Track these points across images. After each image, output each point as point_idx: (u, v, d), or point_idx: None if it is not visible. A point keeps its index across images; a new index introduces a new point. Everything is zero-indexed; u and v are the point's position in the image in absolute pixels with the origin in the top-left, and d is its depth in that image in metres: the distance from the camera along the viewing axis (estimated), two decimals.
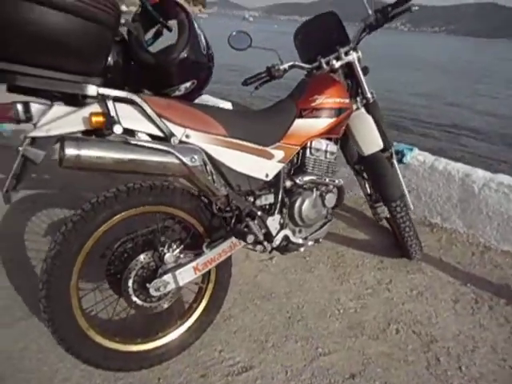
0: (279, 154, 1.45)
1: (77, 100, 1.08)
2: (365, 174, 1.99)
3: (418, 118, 8.81)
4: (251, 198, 1.41)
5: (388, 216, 1.99)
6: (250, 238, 1.41)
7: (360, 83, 1.76)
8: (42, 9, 0.86)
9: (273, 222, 1.46)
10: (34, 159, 1.02)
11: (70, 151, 0.98)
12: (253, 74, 1.73)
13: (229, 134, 1.29)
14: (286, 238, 1.51)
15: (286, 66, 1.71)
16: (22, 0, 0.84)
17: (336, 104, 1.57)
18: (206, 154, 1.24)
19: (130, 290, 1.23)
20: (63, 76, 0.97)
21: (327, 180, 1.59)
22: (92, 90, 1.03)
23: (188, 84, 1.28)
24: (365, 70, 1.81)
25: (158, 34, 1.38)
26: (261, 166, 1.40)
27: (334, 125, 1.58)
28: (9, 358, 1.35)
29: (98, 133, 1.07)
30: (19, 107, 1.00)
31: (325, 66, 1.69)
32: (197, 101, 1.49)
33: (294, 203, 1.51)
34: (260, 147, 1.39)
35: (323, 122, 1.55)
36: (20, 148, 1.01)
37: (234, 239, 1.39)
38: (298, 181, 1.52)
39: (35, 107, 1.03)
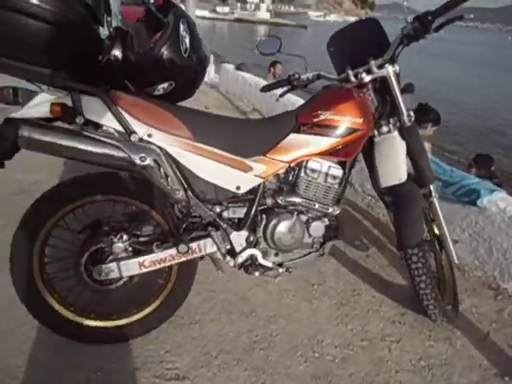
0: (259, 168, 1.35)
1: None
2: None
3: None
4: (217, 209, 1.35)
5: None
6: (209, 249, 1.38)
7: (395, 102, 1.49)
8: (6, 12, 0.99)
9: (238, 238, 1.38)
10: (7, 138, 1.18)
11: (23, 133, 1.10)
12: (273, 81, 1.64)
13: (195, 138, 1.27)
14: (252, 257, 1.41)
15: (309, 75, 1.57)
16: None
17: (342, 122, 1.37)
18: (168, 155, 1.25)
19: (82, 268, 1.33)
20: (31, 68, 1.10)
21: (317, 206, 1.41)
22: (57, 81, 1.14)
23: (165, 85, 1.29)
24: (408, 88, 1.53)
25: None
26: (231, 176, 1.32)
27: (337, 146, 1.39)
28: None
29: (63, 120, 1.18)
30: (10, 91, 1.18)
31: (352, 78, 1.49)
32: None
33: (269, 223, 1.39)
34: (234, 157, 1.32)
35: (322, 141, 1.38)
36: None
37: (194, 245, 1.36)
38: (279, 200, 1.39)
39: (24, 92, 1.19)
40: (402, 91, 1.53)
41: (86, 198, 1.31)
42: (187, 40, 1.27)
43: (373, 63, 1.45)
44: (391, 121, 1.53)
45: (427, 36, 1.39)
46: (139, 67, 1.25)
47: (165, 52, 1.22)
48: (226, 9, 43.94)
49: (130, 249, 1.33)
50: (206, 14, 37.92)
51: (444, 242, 1.66)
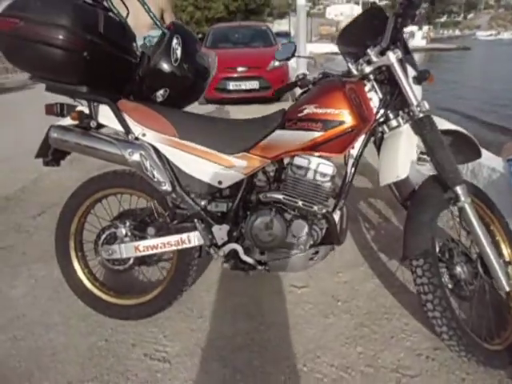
0: (241, 164, 1.39)
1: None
2: None
3: None
4: (202, 202, 1.43)
5: None
6: (194, 240, 1.46)
7: (403, 92, 1.32)
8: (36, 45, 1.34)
9: (219, 232, 1.42)
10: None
11: (51, 134, 1.44)
12: (283, 85, 1.65)
13: (182, 136, 1.40)
14: (234, 252, 1.42)
15: (315, 74, 1.54)
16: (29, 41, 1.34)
17: (325, 115, 1.30)
18: (158, 151, 1.42)
19: (99, 248, 1.58)
20: (61, 85, 1.44)
21: (300, 204, 1.34)
22: (78, 95, 1.45)
23: (161, 91, 1.47)
24: (421, 75, 1.34)
25: None
26: (213, 172, 1.40)
27: (322, 140, 1.32)
28: None
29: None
30: (57, 107, 1.55)
31: (354, 71, 1.39)
32: None
33: (249, 219, 1.39)
34: (216, 153, 1.39)
35: (305, 136, 1.33)
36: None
37: (183, 236, 1.47)
38: (261, 196, 1.39)
39: (67, 106, 1.55)
40: (418, 80, 1.36)
41: (103, 192, 1.58)
42: (178, 51, 1.44)
43: (371, 52, 1.34)
44: (400, 113, 1.36)
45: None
46: (143, 78, 1.48)
47: (157, 62, 1.42)
48: None
49: (130, 234, 1.52)
50: None
51: (487, 262, 1.32)
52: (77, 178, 2.83)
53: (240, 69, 6.45)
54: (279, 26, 29.60)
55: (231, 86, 6.49)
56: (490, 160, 2.18)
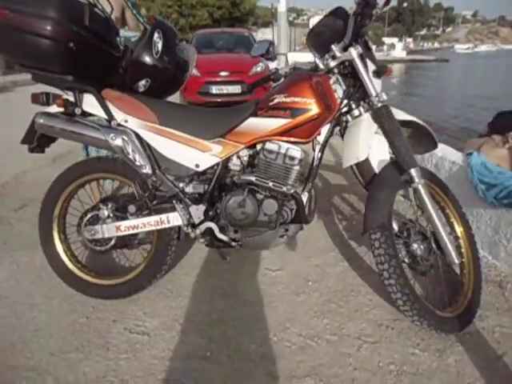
0: (216, 149, 1.50)
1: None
2: None
3: None
4: (181, 184, 1.54)
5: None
6: (173, 220, 1.56)
7: (364, 84, 1.47)
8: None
9: (196, 212, 1.52)
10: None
11: (37, 119, 1.52)
12: (258, 79, 1.78)
13: (162, 122, 1.51)
14: (209, 230, 1.52)
15: (286, 69, 1.67)
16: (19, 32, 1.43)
17: (292, 104, 1.43)
18: (139, 137, 1.52)
19: (81, 229, 1.66)
20: (46, 74, 1.53)
21: (270, 184, 1.46)
22: (63, 84, 1.54)
23: (143, 82, 1.58)
24: (380, 69, 1.49)
25: None
26: (191, 155, 1.50)
27: (290, 127, 1.44)
28: None
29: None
30: (43, 96, 1.64)
31: (321, 66, 1.54)
32: None
33: (224, 199, 1.50)
34: (194, 138, 1.50)
35: (275, 123, 1.46)
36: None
37: (163, 216, 1.57)
38: (235, 178, 1.50)
39: (53, 95, 1.64)
40: (377, 74, 1.50)
41: (87, 176, 1.66)
42: (159, 45, 1.55)
43: (335, 48, 1.48)
44: (362, 103, 1.51)
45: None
46: (126, 69, 1.58)
47: (139, 54, 1.53)
48: None
49: (112, 215, 1.61)
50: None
51: (438, 237, 1.47)
52: None
53: (223, 73, 6.57)
54: (263, 34, 30.07)
55: (214, 90, 6.60)
56: (451, 154, 2.35)
